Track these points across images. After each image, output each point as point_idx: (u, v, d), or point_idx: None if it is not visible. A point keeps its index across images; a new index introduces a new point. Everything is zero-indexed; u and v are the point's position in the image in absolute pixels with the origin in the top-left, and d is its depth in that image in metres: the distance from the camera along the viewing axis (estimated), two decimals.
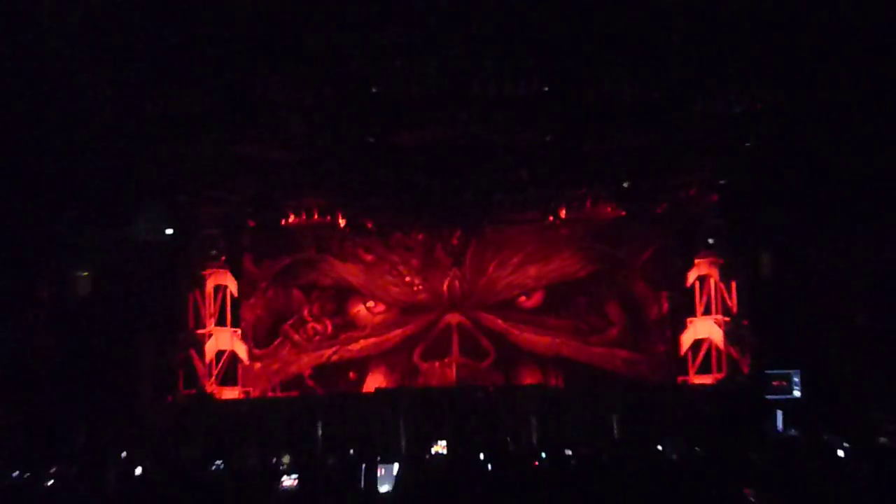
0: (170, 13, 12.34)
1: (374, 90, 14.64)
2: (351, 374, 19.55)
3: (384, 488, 5.88)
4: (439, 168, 17.06)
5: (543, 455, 8.64)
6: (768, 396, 15.55)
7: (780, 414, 13.33)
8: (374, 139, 16.01)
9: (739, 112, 15.45)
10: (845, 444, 9.32)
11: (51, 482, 8.65)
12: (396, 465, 5.61)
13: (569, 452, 9.60)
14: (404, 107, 15.18)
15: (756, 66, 13.77)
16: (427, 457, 12.01)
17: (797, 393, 15.59)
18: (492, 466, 7.82)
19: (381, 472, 5.80)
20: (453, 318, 19.47)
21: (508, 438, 14.15)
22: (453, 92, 14.66)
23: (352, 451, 11.80)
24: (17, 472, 9.10)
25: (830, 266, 16.67)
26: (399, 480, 5.31)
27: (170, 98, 14.64)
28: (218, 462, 10.44)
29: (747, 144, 16.39)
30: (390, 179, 17.54)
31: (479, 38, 13.27)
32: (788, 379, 15.74)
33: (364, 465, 6.90)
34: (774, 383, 15.77)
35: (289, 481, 8.22)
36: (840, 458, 8.75)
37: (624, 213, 18.96)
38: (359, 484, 6.84)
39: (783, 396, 15.54)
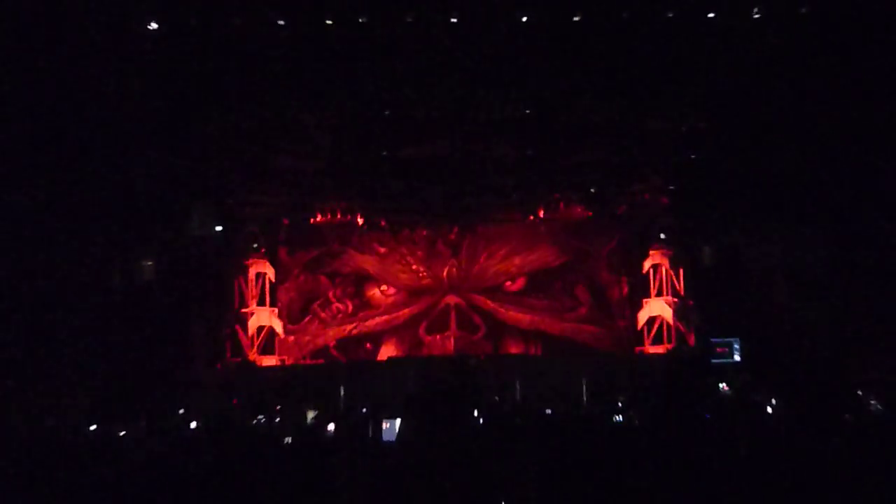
0: (224, 54, 12.39)
1: (386, 113, 14.63)
2: (367, 346, 19.51)
3: (388, 438, 5.85)
4: (440, 176, 17.03)
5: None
6: (713, 360, 15.51)
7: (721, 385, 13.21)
8: (387, 153, 15.99)
9: (685, 131, 15.47)
10: (773, 401, 9.29)
11: (122, 433, 8.63)
12: (398, 420, 5.56)
13: (548, 411, 9.56)
14: (411, 127, 15.18)
15: (699, 94, 13.79)
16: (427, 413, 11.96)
17: (737, 357, 15.54)
18: (482, 420, 7.80)
19: (385, 425, 5.75)
20: (451, 299, 19.42)
21: (496, 397, 14.11)
22: (451, 115, 14.67)
23: (364, 410, 11.76)
24: (93, 426, 9.08)
25: (758, 257, 16.67)
26: (400, 433, 5.27)
27: (221, 120, 14.65)
28: (259, 416, 10.42)
29: (692, 157, 16.40)
30: (400, 186, 17.51)
31: (472, 71, 13.27)
32: (730, 346, 15.70)
33: (372, 420, 6.87)
34: (718, 350, 15.72)
35: (332, 426, 8.26)
36: (768, 412, 8.73)
37: (591, 213, 18.91)
38: (367, 435, 6.83)
39: (726, 360, 15.50)
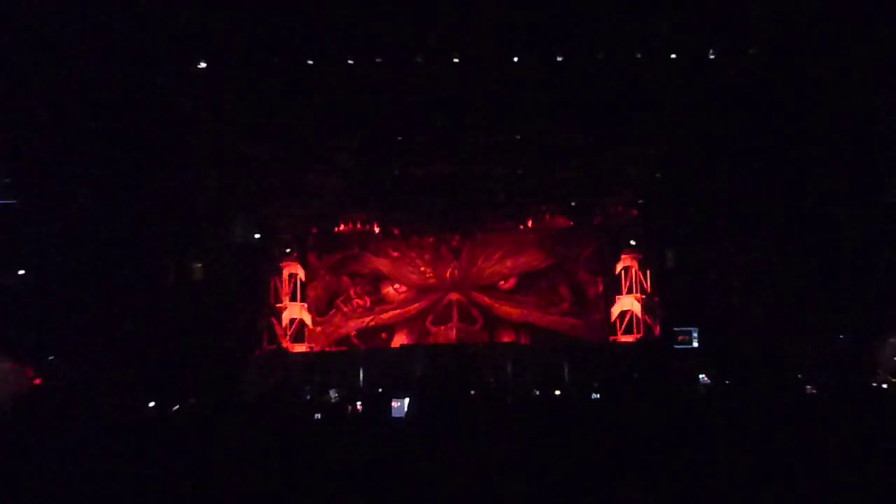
0: (264, 90, 12.52)
1: (399, 138, 14.69)
2: (383, 335, 19.56)
3: (397, 415, 5.83)
4: (444, 192, 17.08)
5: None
6: (676, 346, 15.48)
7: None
8: (399, 172, 16.04)
9: (651, 154, 15.50)
10: (726, 382, 9.26)
11: (175, 409, 8.65)
12: (407, 400, 5.52)
13: (536, 392, 9.57)
14: (419, 149, 15.23)
15: (663, 122, 13.84)
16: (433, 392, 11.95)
17: (696, 344, 15.52)
18: (479, 398, 7.81)
19: (395, 403, 5.71)
20: (453, 296, 19.46)
21: (491, 379, 14.12)
22: (453, 139, 14.71)
23: (380, 390, 11.76)
24: (152, 403, 9.11)
25: (713, 260, 16.68)
26: (409, 410, 5.25)
27: (258, 144, 14.72)
28: (291, 395, 10.44)
29: (657, 176, 16.43)
30: (410, 200, 17.57)
31: (471, 103, 13.34)
32: (690, 334, 15.67)
33: (382, 399, 6.85)
34: (680, 337, 15.69)
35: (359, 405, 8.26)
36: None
37: (572, 223, 18.96)
38: (380, 412, 6.82)
39: (686, 346, 15.46)
